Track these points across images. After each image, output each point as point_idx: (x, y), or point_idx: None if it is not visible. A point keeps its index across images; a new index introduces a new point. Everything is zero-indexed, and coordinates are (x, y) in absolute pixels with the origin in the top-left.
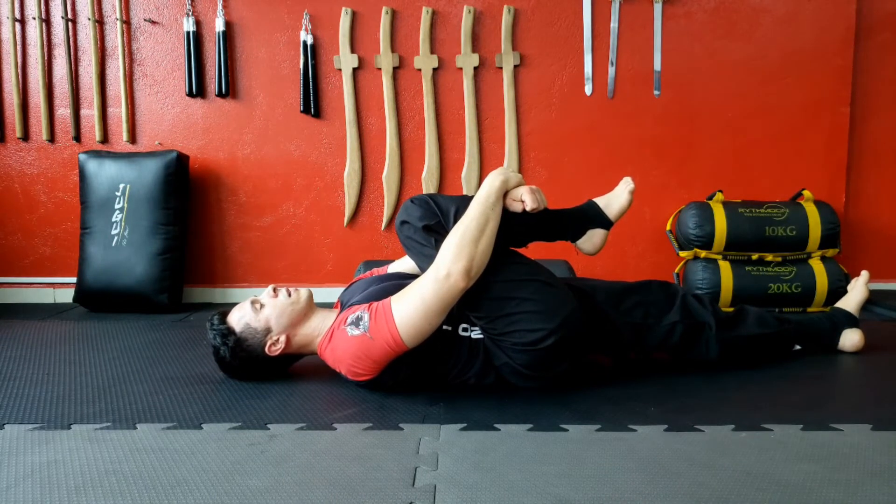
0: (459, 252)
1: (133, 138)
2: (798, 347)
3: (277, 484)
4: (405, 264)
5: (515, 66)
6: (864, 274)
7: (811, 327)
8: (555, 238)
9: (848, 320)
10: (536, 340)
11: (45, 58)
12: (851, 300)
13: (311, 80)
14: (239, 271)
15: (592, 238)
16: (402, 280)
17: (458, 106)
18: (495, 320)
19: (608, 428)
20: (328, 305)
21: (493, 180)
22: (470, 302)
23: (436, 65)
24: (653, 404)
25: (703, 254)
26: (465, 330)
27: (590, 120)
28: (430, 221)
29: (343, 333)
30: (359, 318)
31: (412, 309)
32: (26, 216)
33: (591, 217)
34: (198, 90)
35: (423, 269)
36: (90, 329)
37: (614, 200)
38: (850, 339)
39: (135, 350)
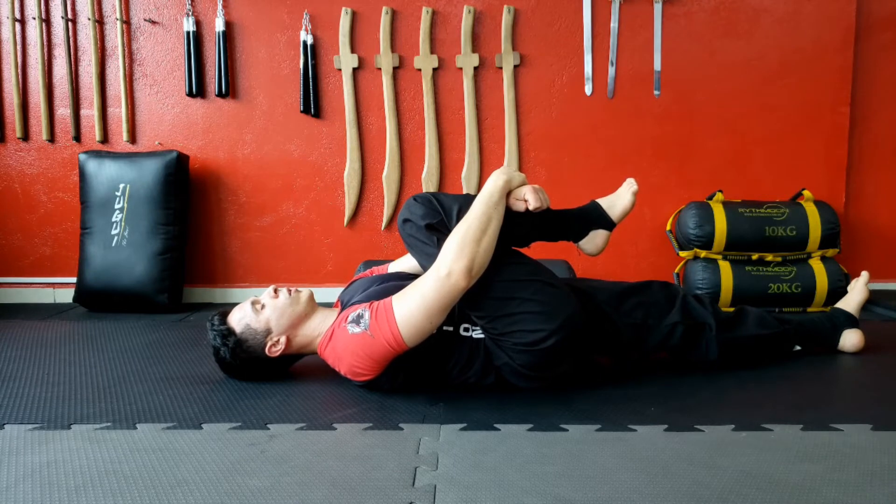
0: (461, 251)
1: (133, 138)
2: (798, 348)
3: (277, 484)
4: (405, 263)
5: (515, 66)
6: (864, 275)
7: (811, 328)
8: (557, 238)
9: (848, 321)
10: (537, 341)
11: (45, 58)
12: (851, 301)
13: (311, 80)
14: (239, 271)
15: (595, 239)
16: (404, 280)
17: (458, 106)
18: (496, 320)
19: (608, 428)
20: (328, 305)
21: (496, 179)
22: (471, 301)
23: (436, 65)
24: (653, 404)
25: (703, 254)
26: (466, 330)
27: (590, 120)
28: (433, 220)
29: (343, 331)
30: (359, 316)
31: (413, 307)
32: (26, 216)
33: (594, 218)
34: (198, 90)
35: (425, 267)
36: (90, 329)
37: (617, 201)
38: (851, 339)
39: (135, 350)
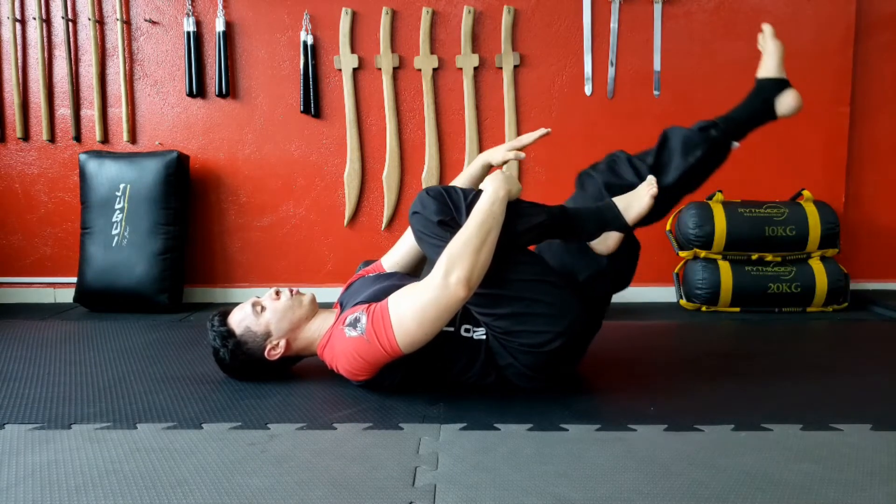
0: (460, 262)
1: (133, 138)
2: (736, 145)
3: (278, 483)
4: (399, 251)
5: (515, 67)
6: (766, 28)
7: (743, 115)
8: (570, 239)
9: (777, 86)
10: (543, 343)
11: (46, 58)
12: (769, 63)
13: (311, 80)
14: (239, 271)
15: (607, 240)
16: (402, 280)
17: (458, 106)
18: (502, 318)
19: (608, 428)
20: (328, 306)
21: (496, 189)
22: (478, 298)
23: (436, 65)
24: (653, 404)
25: (702, 254)
26: (467, 331)
27: (590, 120)
28: (446, 217)
29: (341, 334)
30: (356, 320)
31: (409, 317)
32: (27, 216)
33: (609, 219)
34: (198, 90)
35: (433, 261)
36: (90, 329)
37: (635, 203)
38: (787, 103)
39: (135, 350)
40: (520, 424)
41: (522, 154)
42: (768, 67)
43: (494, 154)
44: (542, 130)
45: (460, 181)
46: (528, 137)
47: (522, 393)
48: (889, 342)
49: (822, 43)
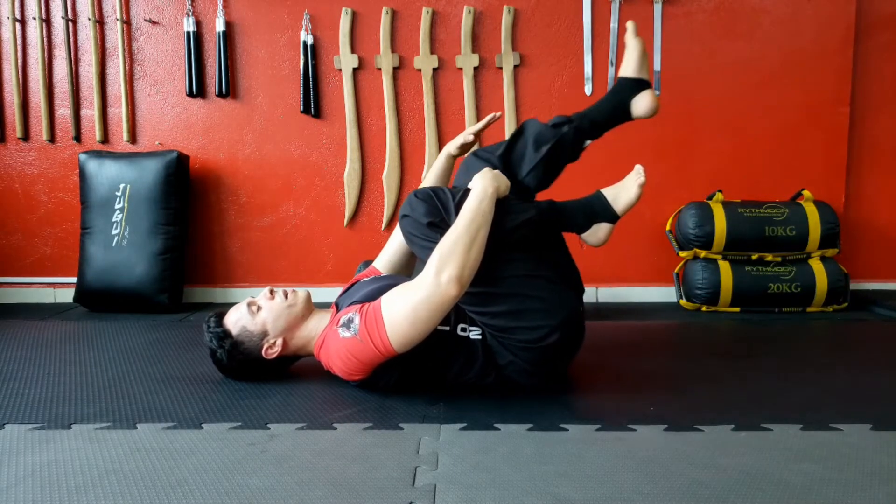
0: (451, 260)
1: (133, 138)
2: (589, 142)
3: (278, 483)
4: (389, 250)
5: (515, 67)
6: (629, 24)
7: (600, 116)
8: (560, 231)
9: (635, 87)
10: (540, 338)
11: (46, 58)
12: (629, 62)
13: (311, 80)
14: (239, 271)
15: (597, 232)
16: (397, 282)
17: (458, 106)
18: (497, 317)
19: (608, 428)
20: (328, 305)
21: (485, 187)
22: (472, 297)
23: (436, 65)
24: (653, 404)
25: (702, 254)
26: (463, 330)
27: None
28: (435, 218)
29: (335, 334)
30: (350, 320)
31: (402, 316)
32: (27, 216)
33: (598, 211)
34: (198, 90)
35: (425, 262)
36: (90, 329)
37: (622, 193)
38: (642, 104)
39: (135, 350)
40: (520, 424)
41: (471, 137)
42: (627, 66)
43: (452, 143)
44: (491, 115)
45: (431, 175)
46: (479, 124)
47: (522, 393)
48: (889, 342)
49: (822, 43)
